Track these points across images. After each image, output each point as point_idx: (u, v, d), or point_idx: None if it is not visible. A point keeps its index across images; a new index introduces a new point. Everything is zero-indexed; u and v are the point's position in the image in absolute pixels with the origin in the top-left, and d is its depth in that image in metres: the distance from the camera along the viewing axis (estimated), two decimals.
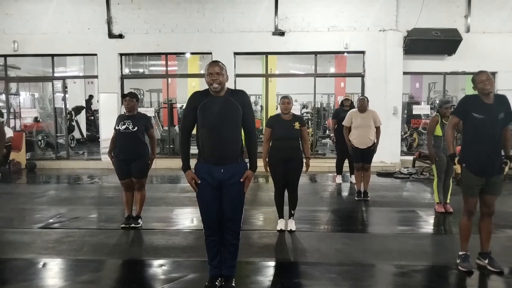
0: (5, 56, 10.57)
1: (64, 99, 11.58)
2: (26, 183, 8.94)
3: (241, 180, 3.13)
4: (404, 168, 9.22)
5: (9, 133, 8.73)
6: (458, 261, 3.84)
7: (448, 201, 5.89)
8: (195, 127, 3.19)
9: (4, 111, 10.85)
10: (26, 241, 4.77)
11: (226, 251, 3.27)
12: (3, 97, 11.81)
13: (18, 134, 10.19)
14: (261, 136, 9.72)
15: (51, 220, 5.61)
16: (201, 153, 3.17)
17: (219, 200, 3.17)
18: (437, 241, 4.91)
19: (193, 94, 3.21)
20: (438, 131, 5.69)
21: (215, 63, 3.11)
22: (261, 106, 13.61)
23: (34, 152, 11.24)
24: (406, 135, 11.97)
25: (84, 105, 14.97)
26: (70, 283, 3.64)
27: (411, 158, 9.70)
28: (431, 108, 11.92)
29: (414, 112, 11.85)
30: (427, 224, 5.59)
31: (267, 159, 4.99)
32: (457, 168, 3.72)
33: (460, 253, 3.85)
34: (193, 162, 3.23)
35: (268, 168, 4.99)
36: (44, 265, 4.06)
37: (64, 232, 5.09)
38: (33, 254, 4.35)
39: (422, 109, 12.08)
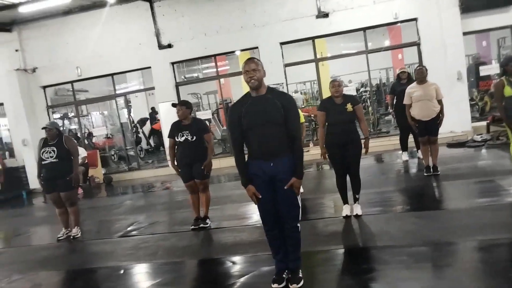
0: (71, 82, 11.47)
1: (128, 113, 12.29)
2: (106, 196, 9.65)
3: (285, 187, 3.09)
4: (477, 135, 8.56)
5: (82, 153, 9.46)
6: None
7: None
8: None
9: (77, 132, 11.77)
10: (108, 250, 5.16)
11: (288, 244, 3.28)
12: (76, 119, 12.82)
13: (92, 152, 11.01)
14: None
15: (129, 228, 6.01)
16: (250, 151, 3.20)
17: (273, 194, 3.17)
18: None
19: (230, 108, 3.26)
20: (509, 92, 5.17)
21: (250, 60, 3.12)
22: (317, 91, 13.36)
23: (109, 166, 12.08)
24: (477, 99, 11.07)
25: (148, 116, 15.75)
26: (149, 286, 3.88)
27: (484, 123, 8.97)
28: (501, 66, 10.90)
29: (482, 74, 10.90)
30: (508, 194, 5.12)
31: (324, 146, 4.89)
32: None
33: None
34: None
35: (324, 155, 4.90)
36: (124, 271, 4.35)
37: (141, 238, 5.43)
38: (114, 261, 4.69)
39: (490, 69, 11.05)
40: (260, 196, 3.17)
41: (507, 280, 2.99)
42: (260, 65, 3.10)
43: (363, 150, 4.82)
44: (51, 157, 5.52)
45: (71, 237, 5.78)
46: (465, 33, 9.22)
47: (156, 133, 14.70)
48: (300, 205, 3.26)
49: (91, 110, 15.96)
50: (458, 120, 8.96)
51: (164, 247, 4.92)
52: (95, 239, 5.79)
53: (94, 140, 12.62)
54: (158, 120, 15.33)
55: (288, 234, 3.25)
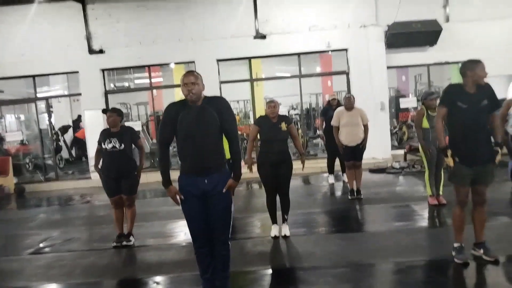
0: None
1: (49, 119, 11.43)
2: (16, 208, 8.79)
3: (223, 190, 3.06)
4: (395, 162, 9.21)
5: None
6: (453, 253, 3.80)
7: (441, 193, 5.86)
8: (174, 139, 3.12)
9: None
10: (15, 269, 4.66)
11: (217, 262, 3.21)
12: None
13: (4, 158, 10.03)
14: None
15: (41, 245, 5.50)
16: (183, 164, 3.11)
17: (205, 211, 3.10)
18: (433, 235, 4.87)
19: (169, 105, 3.15)
20: (425, 124, 5.66)
21: (190, 72, 3.07)
22: (250, 111, 13.55)
23: (22, 175, 11.06)
24: (396, 129, 11.97)
25: (71, 124, 14.79)
26: None
27: (402, 152, 9.70)
28: (418, 101, 11.94)
29: (402, 106, 11.85)
30: (422, 218, 5.56)
31: (254, 161, 4.94)
32: (449, 161, 3.66)
33: (455, 245, 3.81)
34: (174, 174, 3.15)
35: (251, 167, 4.94)
36: None
37: (55, 256, 4.99)
38: (22, 281, 4.25)
39: (409, 102, 12.07)
40: (183, 197, 3.09)
41: None
42: (200, 78, 3.07)
43: (299, 166, 4.93)
44: None
45: None
46: (388, 67, 9.98)
47: (78, 142, 13.83)
48: (231, 223, 3.22)
49: (5, 112, 14.60)
50: (380, 147, 9.59)
51: (81, 266, 4.55)
52: (0, 256, 5.19)
53: (6, 146, 11.50)
54: (82, 128, 14.49)
55: (218, 252, 3.18)
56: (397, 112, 12.62)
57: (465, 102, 3.57)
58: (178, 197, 3.10)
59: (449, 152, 3.65)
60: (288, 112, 14.11)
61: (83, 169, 11.75)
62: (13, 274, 4.51)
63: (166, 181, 3.11)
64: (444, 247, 4.14)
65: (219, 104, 3.10)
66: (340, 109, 6.67)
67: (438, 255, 4.05)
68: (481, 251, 3.78)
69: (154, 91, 11.45)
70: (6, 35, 10.01)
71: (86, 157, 11.14)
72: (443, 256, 3.94)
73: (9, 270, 4.63)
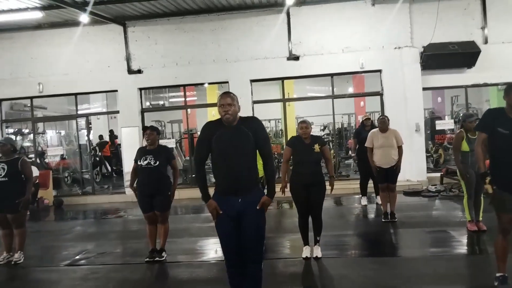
0: (31, 98, 11.01)
1: (88, 135, 11.89)
2: (54, 220, 9.10)
3: (258, 207, 3.08)
4: (431, 185, 8.94)
5: (35, 172, 8.93)
6: (496, 283, 3.62)
7: (480, 218, 5.62)
8: (210, 158, 3.19)
9: (31, 150, 11.18)
10: (53, 279, 4.81)
11: (249, 282, 3.19)
12: (31, 136, 12.22)
13: (45, 172, 10.46)
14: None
15: (77, 257, 5.65)
16: (218, 184, 3.16)
17: (238, 231, 3.12)
18: (472, 262, 4.67)
19: (206, 124, 3.23)
20: (465, 147, 5.49)
21: (227, 94, 3.13)
22: (281, 130, 13.59)
23: (61, 189, 11.49)
24: (432, 151, 11.66)
25: (108, 140, 15.32)
26: None
27: (438, 175, 9.40)
28: (455, 122, 11.63)
29: (438, 128, 11.57)
30: (460, 245, 5.34)
31: (287, 184, 4.90)
32: (488, 188, 3.53)
33: (498, 274, 3.63)
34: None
35: (284, 190, 4.90)
36: None
37: (90, 268, 5.11)
38: None
39: (445, 124, 11.77)
40: (221, 212, 3.12)
41: None
42: (236, 100, 3.13)
43: (328, 188, 4.88)
44: (0, 175, 5.18)
45: (12, 262, 5.34)
46: (423, 88, 9.80)
47: (107, 159, 14.27)
48: (264, 243, 3.22)
49: (47, 128, 15.32)
50: (415, 169, 9.35)
51: (115, 280, 4.64)
52: (38, 266, 5.37)
53: (47, 160, 12.02)
54: (117, 144, 14.95)
55: (250, 273, 3.17)
56: (432, 134, 12.32)
57: (506, 127, 3.46)
58: (216, 212, 3.14)
59: (488, 179, 3.52)
60: (322, 131, 14.05)
61: (117, 184, 12.08)
62: (50, 284, 4.66)
63: (205, 196, 3.18)
64: (485, 276, 3.96)
65: (254, 124, 3.15)
66: (375, 130, 6.59)
67: (479, 284, 3.89)
68: None
69: (188, 109, 11.72)
70: (52, 56, 10.57)
71: (120, 172, 11.45)
72: (484, 286, 3.76)
73: (47, 280, 4.79)
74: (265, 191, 3.26)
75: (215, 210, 3.12)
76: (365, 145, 6.61)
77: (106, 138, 15.17)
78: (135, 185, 5.18)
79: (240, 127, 3.10)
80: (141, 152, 5.15)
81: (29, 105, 11.31)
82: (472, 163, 5.31)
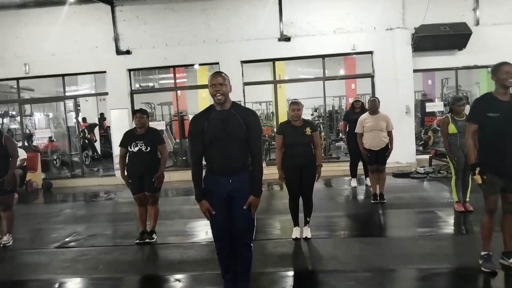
0: (17, 79, 10.79)
1: (76, 117, 11.73)
2: (43, 203, 9.05)
3: (244, 207, 3.04)
4: (420, 167, 9.03)
5: (22, 155, 8.82)
6: (480, 261, 3.69)
7: (467, 199, 5.70)
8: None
9: (19, 132, 11.02)
10: (43, 262, 4.79)
11: (239, 264, 3.20)
12: (19, 118, 12.03)
13: (33, 154, 10.33)
14: (273, 143, 9.65)
15: (67, 239, 5.63)
16: (209, 165, 3.12)
17: (229, 211, 3.11)
18: (458, 242, 4.76)
19: (193, 118, 3.16)
20: (452, 129, 5.52)
21: (218, 73, 3.07)
22: (272, 113, 13.57)
23: (50, 171, 11.38)
24: (422, 134, 11.74)
25: (97, 122, 15.15)
26: None
27: (427, 157, 9.49)
28: (445, 105, 11.70)
29: (428, 110, 11.63)
30: (447, 225, 5.43)
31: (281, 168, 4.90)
32: (477, 179, 3.54)
33: (483, 253, 3.70)
34: None
35: (282, 178, 4.89)
36: (60, 285, 4.05)
37: (80, 250, 5.10)
38: (49, 274, 4.35)
39: (435, 106, 11.85)
40: (214, 212, 3.09)
41: None
42: (227, 80, 3.07)
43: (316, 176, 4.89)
44: None
45: (1, 245, 5.30)
46: (414, 70, 9.80)
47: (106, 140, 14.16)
48: (255, 225, 3.22)
49: (35, 110, 15.09)
50: (404, 151, 9.40)
51: (105, 261, 4.64)
52: (28, 248, 5.35)
53: (35, 142, 11.86)
54: (106, 127, 14.79)
55: (240, 254, 3.18)
56: (422, 116, 12.39)
57: (496, 110, 3.47)
58: (209, 212, 3.09)
59: (477, 170, 3.53)
60: (312, 114, 14.06)
61: (108, 167, 12.01)
62: (40, 266, 4.64)
63: (199, 195, 3.10)
64: (470, 255, 4.03)
65: (250, 116, 3.07)
66: (364, 115, 6.57)
67: (464, 263, 3.95)
68: (510, 260, 3.65)
69: (178, 91, 11.60)
70: (38, 36, 10.31)
71: (110, 155, 11.37)
72: (469, 265, 3.83)
73: (36, 263, 4.77)
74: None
75: (207, 211, 3.09)
76: (355, 131, 6.61)
77: (91, 121, 14.99)
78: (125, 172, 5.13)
79: (233, 112, 3.04)
80: (131, 137, 5.07)
81: (15, 86, 11.08)
82: (460, 144, 5.35)
